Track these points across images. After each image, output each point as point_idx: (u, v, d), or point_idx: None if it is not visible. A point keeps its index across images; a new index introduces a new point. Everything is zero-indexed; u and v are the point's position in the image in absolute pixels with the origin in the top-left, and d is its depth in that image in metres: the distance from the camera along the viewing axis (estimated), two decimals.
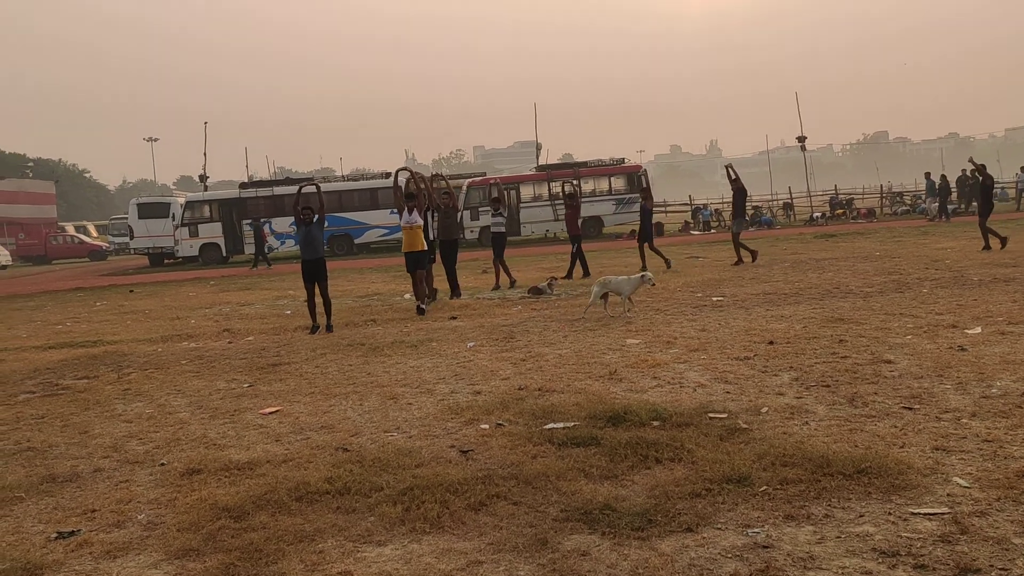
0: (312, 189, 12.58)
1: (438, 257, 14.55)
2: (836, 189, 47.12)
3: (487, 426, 5.91)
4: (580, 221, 17.61)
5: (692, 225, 38.03)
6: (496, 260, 15.78)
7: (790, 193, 45.13)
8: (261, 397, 7.44)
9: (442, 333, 10.44)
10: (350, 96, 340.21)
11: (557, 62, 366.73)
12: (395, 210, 13.10)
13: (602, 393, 6.65)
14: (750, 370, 7.20)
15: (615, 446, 5.17)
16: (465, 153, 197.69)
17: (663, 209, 48.03)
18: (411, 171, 14.08)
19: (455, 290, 14.37)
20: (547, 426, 5.74)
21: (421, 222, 12.90)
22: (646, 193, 18.25)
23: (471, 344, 9.41)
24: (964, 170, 33.02)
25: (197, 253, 33.43)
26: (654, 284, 11.80)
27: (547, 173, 35.66)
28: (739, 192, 17.84)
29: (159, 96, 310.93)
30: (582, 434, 5.47)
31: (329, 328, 11.23)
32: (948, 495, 4.16)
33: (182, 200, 35.90)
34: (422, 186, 13.75)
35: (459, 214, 16.32)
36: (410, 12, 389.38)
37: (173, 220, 34.19)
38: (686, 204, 46.68)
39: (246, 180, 44.34)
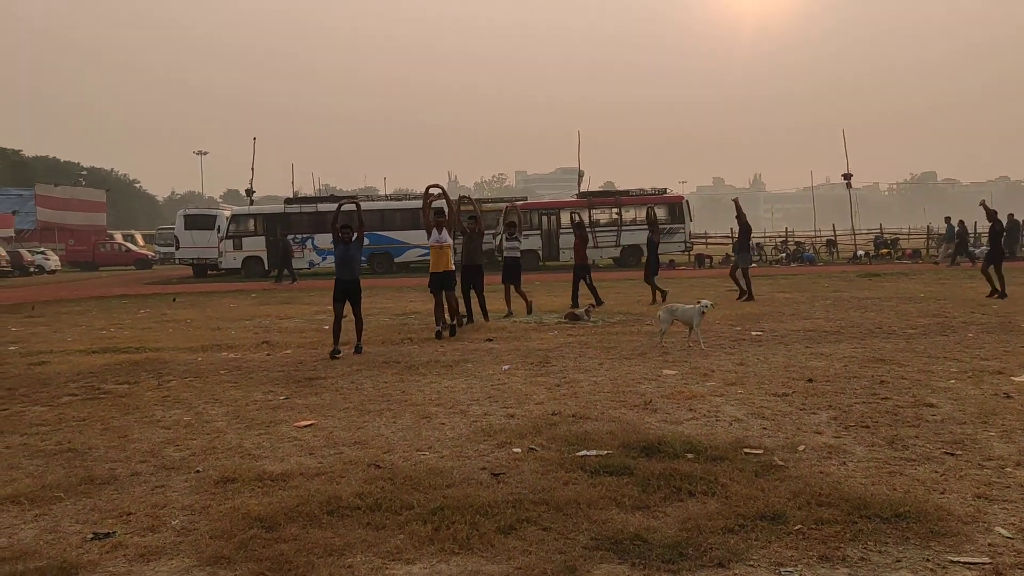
0: (352, 207, 12.50)
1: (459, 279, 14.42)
2: (881, 228, 46.51)
3: (519, 450, 5.89)
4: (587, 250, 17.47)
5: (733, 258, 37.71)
6: (508, 284, 15.39)
7: (834, 230, 44.66)
8: (296, 410, 7.51)
9: (477, 355, 10.46)
10: (396, 116, 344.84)
11: (602, 89, 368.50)
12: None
13: (636, 423, 6.61)
14: (788, 407, 7.10)
15: (648, 477, 5.13)
16: (507, 177, 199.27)
17: (704, 241, 47.76)
18: (442, 188, 13.69)
19: (485, 314, 14.42)
20: (580, 453, 5.72)
21: (450, 241, 12.65)
22: (654, 227, 18.00)
23: (506, 367, 9.41)
24: (1011, 215, 32.53)
25: (240, 266, 33.99)
26: (713, 307, 11.32)
27: (588, 200, 35.73)
28: (744, 228, 17.72)
29: (211, 111, 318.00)
30: (615, 463, 5.43)
31: (358, 349, 10.93)
32: (989, 544, 4.06)
33: (228, 213, 36.56)
34: (451, 206, 13.56)
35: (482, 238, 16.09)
36: (456, 35, 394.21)
37: (218, 232, 34.81)
38: (727, 236, 46.35)
39: (291, 196, 45.06)
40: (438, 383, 8.61)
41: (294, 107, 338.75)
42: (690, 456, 5.58)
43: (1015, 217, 33.40)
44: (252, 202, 45.22)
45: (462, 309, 13.90)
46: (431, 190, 13.58)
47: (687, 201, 36.41)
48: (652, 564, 3.90)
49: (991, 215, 17.41)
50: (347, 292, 11.04)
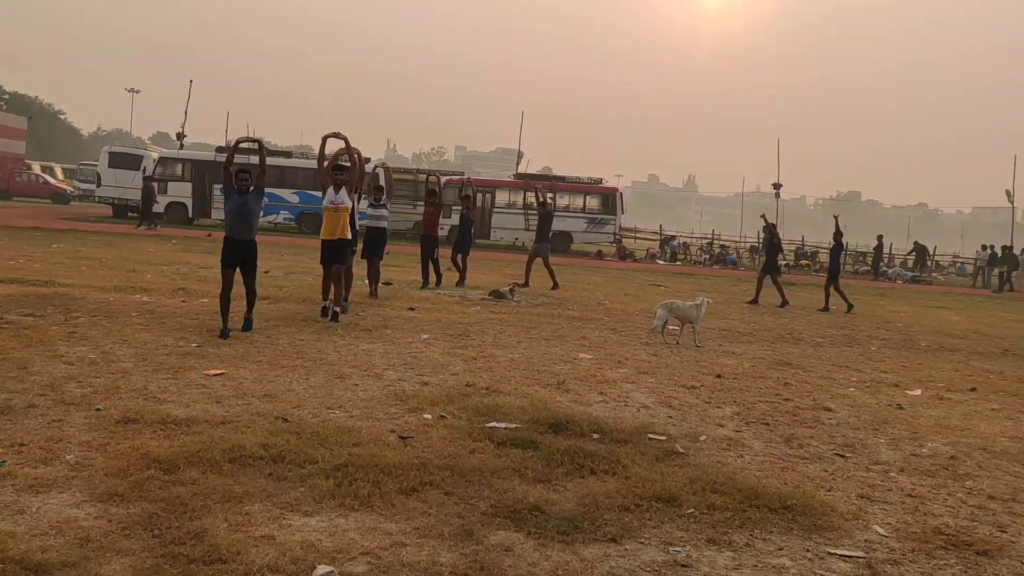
0: (251, 146, 10.40)
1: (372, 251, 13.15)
2: (803, 240, 47.91)
3: (430, 416, 5.93)
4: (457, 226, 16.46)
5: (659, 255, 38.42)
6: (369, 259, 13.15)
7: (758, 237, 45.78)
8: (208, 359, 7.37)
9: (398, 322, 10.43)
10: (338, 80, 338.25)
11: (548, 77, 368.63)
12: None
13: (548, 400, 6.71)
14: (695, 399, 7.31)
15: (553, 452, 5.23)
16: (446, 151, 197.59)
17: (633, 235, 48.41)
18: (345, 139, 11.00)
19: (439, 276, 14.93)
20: (489, 424, 5.78)
21: (350, 204, 10.61)
22: (470, 202, 16.86)
23: (425, 336, 9.42)
24: (916, 241, 34.60)
25: (163, 210, 32.97)
26: (711, 303, 11.24)
27: (524, 182, 35.81)
28: (545, 216, 16.91)
29: (147, 49, 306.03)
30: (522, 436, 5.51)
31: (248, 324, 8.88)
32: (866, 541, 4.28)
33: (156, 155, 35.35)
34: (355, 159, 11.06)
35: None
36: (407, 6, 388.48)
37: (144, 173, 33.66)
38: (656, 233, 47.12)
39: (223, 144, 43.86)
40: (355, 345, 8.56)
41: (234, 58, 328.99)
42: (596, 436, 5.70)
43: (920, 243, 35.27)
44: (182, 146, 43.81)
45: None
46: (330, 139, 11.20)
47: (621, 194, 36.81)
48: (547, 534, 3.99)
49: (771, 228, 18.15)
50: (240, 255, 8.80)
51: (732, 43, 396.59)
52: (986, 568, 4.04)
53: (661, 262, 35.88)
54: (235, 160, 8.99)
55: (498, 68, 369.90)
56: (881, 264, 37.34)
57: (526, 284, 16.38)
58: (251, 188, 8.76)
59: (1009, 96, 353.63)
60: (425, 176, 17.95)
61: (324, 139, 11.19)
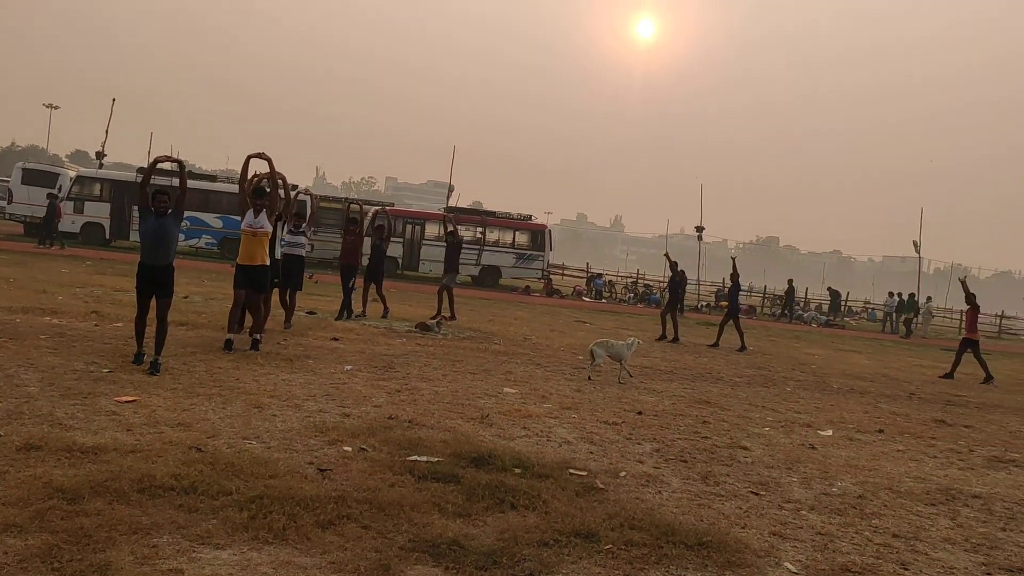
0: (172, 167, 9.62)
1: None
2: (724, 283, 49.11)
3: (350, 449, 5.84)
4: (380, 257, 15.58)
5: (585, 292, 38.86)
6: (287, 289, 12.49)
7: (724, 284, 46.76)
8: (119, 384, 7.12)
9: (321, 352, 10.27)
10: (267, 104, 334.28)
11: (481, 116, 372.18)
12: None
13: (470, 434, 6.69)
14: (616, 435, 7.39)
15: (474, 486, 5.20)
16: (377, 182, 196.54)
17: (561, 272, 48.87)
18: (269, 160, 10.54)
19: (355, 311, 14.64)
20: (411, 457, 5.73)
21: (270, 229, 10.14)
22: (383, 232, 15.84)
23: (348, 367, 9.30)
24: (790, 279, 36.55)
25: (78, 231, 31.85)
26: (640, 343, 11.68)
27: (455, 216, 35.90)
28: (454, 245, 17.02)
29: (66, 64, 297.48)
30: (444, 470, 5.48)
31: (155, 368, 7.86)
32: None
33: (73, 174, 34.22)
34: (279, 183, 10.67)
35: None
36: (342, 29, 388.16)
37: (59, 192, 32.52)
38: (583, 271, 47.67)
39: (145, 166, 42.73)
40: (275, 375, 8.39)
41: (160, 79, 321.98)
42: (518, 471, 5.70)
43: (793, 283, 37.08)
44: (101, 165, 42.53)
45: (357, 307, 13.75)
46: (254, 159, 10.59)
47: (549, 231, 37.22)
48: (465, 569, 3.96)
49: (673, 266, 18.84)
50: (156, 281, 8.27)
51: (658, 92, 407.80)
52: None
53: (587, 299, 36.29)
54: (155, 181, 8.70)
55: (431, 106, 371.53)
56: (796, 308, 38.62)
57: (452, 317, 16.36)
58: (169, 211, 8.21)
59: (915, 159, 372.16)
60: (358, 206, 17.59)
61: (247, 159, 10.60)
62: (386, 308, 15.57)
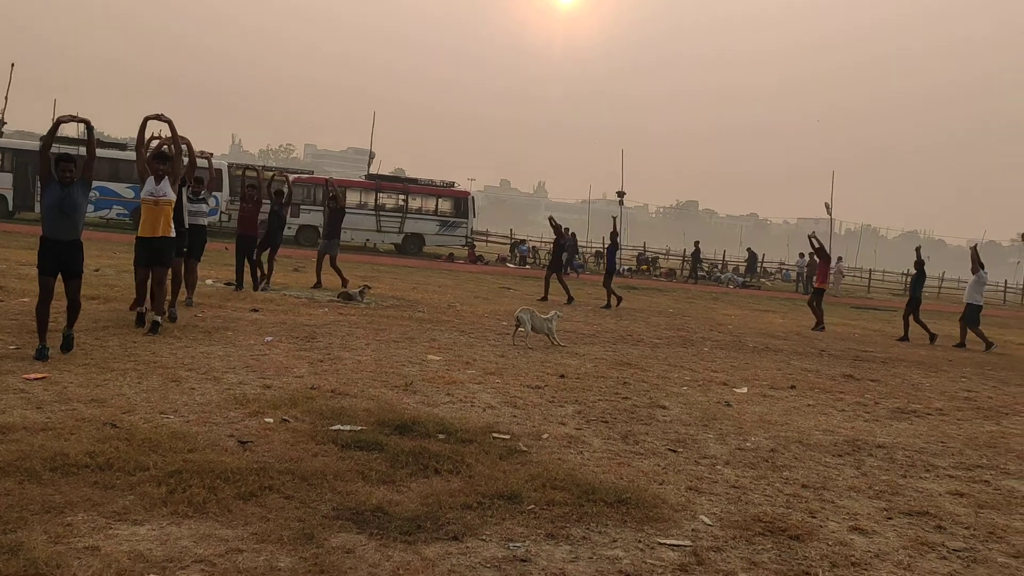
0: (79, 132, 9.27)
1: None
2: (645, 246, 49.97)
3: (271, 420, 5.79)
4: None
5: (509, 259, 38.99)
6: (191, 260, 11.26)
7: (603, 243, 47.33)
8: (27, 361, 6.87)
9: (240, 324, 10.09)
10: (178, 73, 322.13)
11: (401, 74, 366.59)
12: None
13: (394, 402, 6.70)
14: (539, 398, 7.50)
15: (398, 453, 5.23)
16: (296, 149, 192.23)
17: (485, 239, 48.90)
18: (170, 122, 9.32)
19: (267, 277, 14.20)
20: (333, 427, 5.71)
21: (173, 197, 9.22)
22: (283, 198, 15.06)
23: (269, 339, 9.17)
24: (749, 248, 36.86)
25: None
26: (561, 317, 11.73)
27: (376, 183, 35.45)
28: (336, 211, 16.32)
29: None
30: (367, 438, 5.48)
31: (68, 343, 7.43)
32: (693, 530, 4.54)
33: None
34: (181, 148, 9.58)
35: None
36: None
37: None
38: (507, 237, 47.80)
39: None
40: (193, 348, 8.22)
41: (64, 41, 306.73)
42: (441, 437, 5.75)
43: (699, 245, 38.24)
44: (2, 134, 40.44)
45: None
46: (152, 121, 9.49)
47: (473, 197, 37.12)
48: (390, 535, 4.00)
49: (557, 229, 19.25)
50: (62, 259, 7.43)
51: (581, 52, 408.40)
52: (798, 551, 4.38)
53: (511, 265, 36.42)
54: (59, 149, 8.15)
55: (350, 62, 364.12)
56: (705, 268, 39.68)
57: (318, 284, 15.60)
58: (75, 180, 7.40)
59: (830, 122, 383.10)
60: (254, 172, 16.31)
61: (144, 120, 9.43)
62: (268, 278, 14.45)
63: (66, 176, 7.33)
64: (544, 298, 18.11)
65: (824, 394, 9.33)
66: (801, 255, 39.59)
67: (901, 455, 6.73)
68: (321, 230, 32.95)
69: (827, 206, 41.64)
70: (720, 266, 44.96)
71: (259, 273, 14.30)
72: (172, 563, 3.47)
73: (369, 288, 15.01)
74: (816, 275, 18.71)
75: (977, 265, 16.95)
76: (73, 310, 7.59)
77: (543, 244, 50.45)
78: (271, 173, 17.65)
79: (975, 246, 17.71)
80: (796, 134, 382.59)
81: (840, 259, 40.03)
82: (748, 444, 6.60)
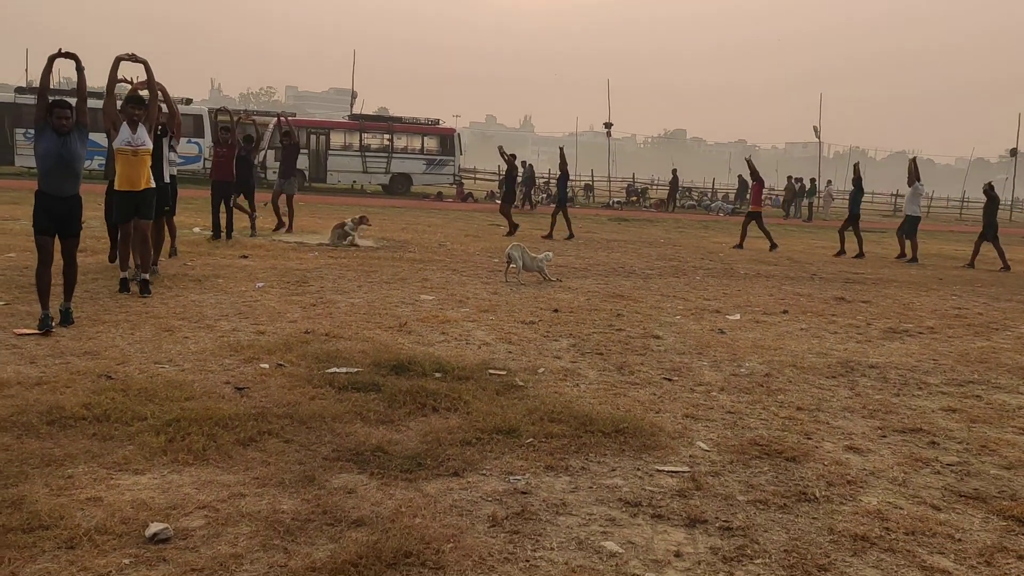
0: (131, 62, 8.35)
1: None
2: (634, 177, 49.68)
3: (267, 366, 5.79)
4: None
5: (498, 195, 38.70)
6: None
7: (592, 176, 47.04)
8: (18, 317, 6.83)
9: (230, 271, 10.03)
10: (155, 14, 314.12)
11: (382, 17, 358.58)
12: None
13: (389, 343, 6.70)
14: (533, 334, 7.52)
15: (395, 393, 5.25)
16: (276, 92, 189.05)
17: (473, 176, 48.49)
18: (145, 63, 8.62)
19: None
20: (329, 370, 5.72)
21: (150, 145, 8.45)
22: (252, 143, 14.62)
23: (260, 284, 9.13)
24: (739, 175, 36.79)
25: None
26: (552, 257, 11.65)
27: (360, 123, 34.97)
28: (290, 148, 16.13)
29: None
30: (364, 380, 5.49)
31: (67, 317, 6.72)
32: (690, 456, 4.59)
33: None
34: (157, 93, 8.87)
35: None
36: None
37: None
38: (495, 174, 47.39)
39: (24, 85, 39.98)
40: (184, 297, 8.18)
41: None
42: (438, 375, 5.76)
43: (677, 172, 38.49)
44: None
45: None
46: (125, 61, 8.60)
47: (459, 135, 36.69)
48: (391, 473, 4.03)
49: (510, 160, 19.15)
50: (62, 217, 6.68)
51: None
52: (794, 472, 4.44)
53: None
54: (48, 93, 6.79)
55: (329, 8, 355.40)
56: (695, 197, 39.56)
57: (280, 225, 15.44)
58: (73, 125, 6.65)
59: (817, 41, 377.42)
60: (227, 116, 15.79)
61: (116, 61, 8.51)
62: (252, 225, 14.31)
63: (63, 124, 6.57)
64: (511, 232, 17.79)
65: (817, 317, 9.37)
66: (789, 178, 39.42)
67: (894, 374, 6.79)
68: (308, 173, 32.93)
69: (815, 129, 41.35)
70: (709, 194, 44.79)
71: (236, 218, 13.82)
72: (175, 510, 3.49)
73: (367, 219, 14.48)
74: (751, 198, 19.25)
75: (914, 177, 17.54)
76: (70, 276, 6.87)
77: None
78: (253, 118, 17.30)
79: (914, 159, 18.21)
80: (784, 53, 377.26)
81: (829, 183, 39.91)
82: (742, 370, 6.65)
